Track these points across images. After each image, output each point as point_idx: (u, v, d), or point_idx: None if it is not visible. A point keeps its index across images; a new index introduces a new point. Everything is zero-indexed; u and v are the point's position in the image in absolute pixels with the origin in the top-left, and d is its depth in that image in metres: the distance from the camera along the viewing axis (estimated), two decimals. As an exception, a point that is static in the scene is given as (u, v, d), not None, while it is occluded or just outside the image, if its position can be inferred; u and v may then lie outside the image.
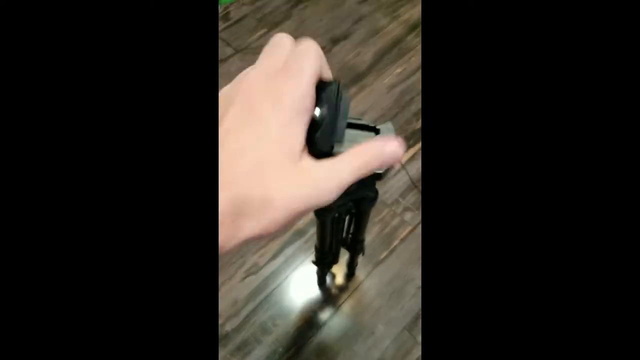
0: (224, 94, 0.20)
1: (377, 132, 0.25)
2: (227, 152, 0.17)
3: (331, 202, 0.19)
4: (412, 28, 1.00)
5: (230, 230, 0.17)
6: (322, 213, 0.38)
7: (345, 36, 0.99)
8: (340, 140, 0.21)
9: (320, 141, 0.19)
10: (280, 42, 0.20)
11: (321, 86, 0.20)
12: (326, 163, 0.19)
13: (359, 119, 0.26)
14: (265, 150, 0.17)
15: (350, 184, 0.19)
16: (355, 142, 0.21)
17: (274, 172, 0.17)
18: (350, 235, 0.53)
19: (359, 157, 0.20)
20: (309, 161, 0.19)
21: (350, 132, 0.25)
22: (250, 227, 0.17)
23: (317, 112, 0.19)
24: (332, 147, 0.20)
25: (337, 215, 0.43)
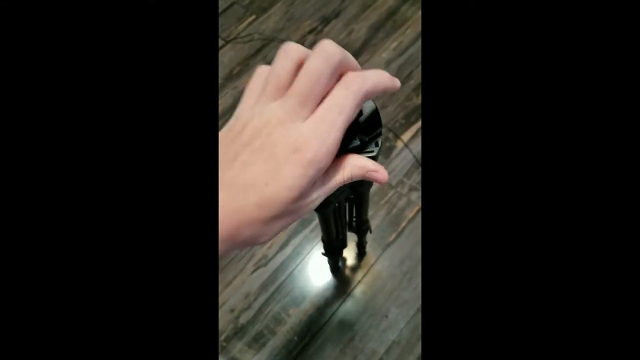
0: (239, 126, 0.19)
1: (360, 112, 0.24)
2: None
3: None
4: (406, -2, 0.96)
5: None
6: (322, 208, 0.36)
7: (336, 14, 0.95)
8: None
9: None
10: (289, 56, 0.19)
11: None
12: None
13: None
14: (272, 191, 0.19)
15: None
16: None
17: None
18: (354, 219, 0.52)
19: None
20: None
21: None
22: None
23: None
24: None
25: (337, 205, 0.42)
